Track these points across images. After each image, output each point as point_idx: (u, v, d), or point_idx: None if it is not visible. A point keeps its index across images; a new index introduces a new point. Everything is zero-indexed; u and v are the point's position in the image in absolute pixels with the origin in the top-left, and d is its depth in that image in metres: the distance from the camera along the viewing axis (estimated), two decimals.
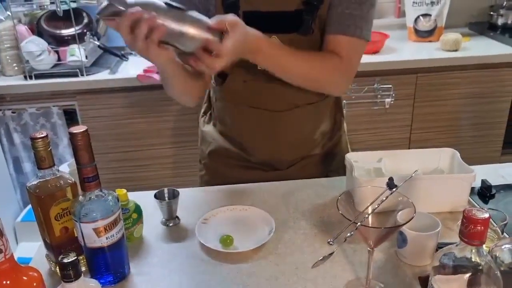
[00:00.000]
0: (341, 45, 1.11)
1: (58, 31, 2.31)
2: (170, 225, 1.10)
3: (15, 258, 0.72)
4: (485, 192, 1.16)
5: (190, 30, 0.90)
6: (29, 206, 2.33)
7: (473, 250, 0.63)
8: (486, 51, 2.35)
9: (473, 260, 0.63)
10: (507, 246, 0.68)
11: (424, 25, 2.51)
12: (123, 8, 0.85)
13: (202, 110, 1.40)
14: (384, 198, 0.83)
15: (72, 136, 0.81)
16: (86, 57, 2.22)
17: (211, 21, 0.93)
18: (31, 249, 1.05)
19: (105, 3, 0.85)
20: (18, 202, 2.43)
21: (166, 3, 0.89)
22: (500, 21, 2.63)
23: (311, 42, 1.13)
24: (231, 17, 0.95)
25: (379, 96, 2.30)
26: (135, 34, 0.87)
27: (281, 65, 1.07)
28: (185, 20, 0.90)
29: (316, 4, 1.09)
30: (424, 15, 2.50)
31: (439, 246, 0.92)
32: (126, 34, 0.88)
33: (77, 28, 2.23)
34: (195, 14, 0.92)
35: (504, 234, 0.93)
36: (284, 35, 1.11)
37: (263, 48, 1.02)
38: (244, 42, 0.96)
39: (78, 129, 0.81)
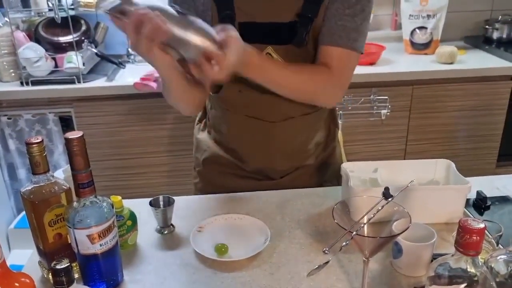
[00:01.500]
0: (332, 57, 1.11)
1: (55, 38, 2.31)
2: (165, 233, 1.09)
3: (8, 265, 0.72)
4: (480, 204, 1.16)
5: (194, 37, 0.91)
6: (23, 213, 2.32)
7: (469, 261, 0.63)
8: (481, 64, 2.37)
9: (468, 270, 0.63)
10: (502, 257, 0.68)
11: (420, 37, 2.53)
12: (131, 9, 0.86)
13: (198, 118, 1.40)
14: (380, 208, 0.83)
15: (67, 142, 0.80)
16: (84, 64, 2.21)
17: (214, 31, 0.94)
18: (24, 256, 1.04)
19: (115, 0, 0.86)
20: (12, 208, 2.41)
21: (174, 9, 0.91)
22: (495, 35, 2.65)
23: (305, 53, 1.14)
24: (232, 30, 0.96)
25: (375, 107, 2.31)
26: (140, 34, 0.87)
27: (272, 78, 1.07)
28: (190, 27, 0.91)
29: (311, 16, 1.10)
30: (420, 28, 2.52)
31: (434, 257, 0.92)
32: (131, 33, 0.88)
33: (74, 35, 2.23)
34: (199, 22, 0.93)
35: (499, 245, 0.93)
36: (278, 46, 1.12)
37: (254, 60, 1.02)
38: (241, 55, 0.97)
39: (74, 134, 0.81)
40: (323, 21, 1.11)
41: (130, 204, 1.06)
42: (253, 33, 1.10)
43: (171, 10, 0.90)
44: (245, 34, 1.03)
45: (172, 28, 0.88)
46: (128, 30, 0.88)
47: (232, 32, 0.95)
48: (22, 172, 2.34)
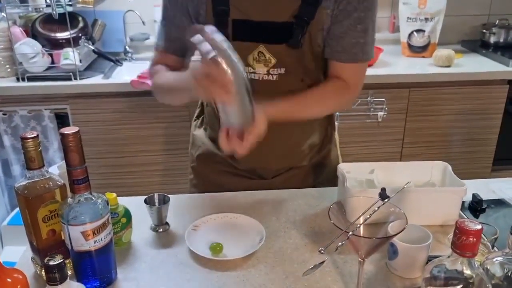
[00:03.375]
0: (350, 72, 1.17)
1: (52, 34, 2.30)
2: (160, 231, 1.09)
3: (0, 261, 0.71)
4: (476, 206, 1.16)
5: (242, 114, 0.98)
6: (16, 210, 2.30)
7: (465, 262, 0.63)
8: (478, 68, 2.38)
9: (464, 272, 0.63)
10: (498, 259, 0.68)
11: (418, 40, 2.53)
12: (214, 53, 0.89)
13: (195, 114, 1.40)
14: (376, 209, 0.83)
15: (63, 137, 0.80)
16: (80, 61, 2.21)
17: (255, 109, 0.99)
18: (17, 253, 1.03)
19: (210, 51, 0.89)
20: (6, 205, 2.40)
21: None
22: (492, 39, 2.67)
23: (299, 54, 1.13)
24: (260, 113, 1.00)
25: (372, 109, 2.31)
26: (206, 82, 0.90)
27: (298, 117, 1.15)
28: (246, 103, 0.97)
29: (307, 19, 1.10)
30: (418, 31, 2.53)
31: (429, 259, 0.92)
32: (206, 79, 0.91)
33: (72, 31, 2.22)
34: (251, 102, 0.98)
35: (495, 248, 0.93)
36: (271, 45, 1.11)
37: (278, 116, 1.07)
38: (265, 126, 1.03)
39: (69, 130, 0.80)
40: (332, 39, 1.13)
41: (125, 201, 1.06)
42: (246, 31, 1.10)
43: (244, 74, 0.95)
44: (238, 31, 1.02)
45: (232, 95, 0.92)
46: (201, 67, 0.90)
47: (260, 114, 1.00)
48: (16, 169, 2.32)
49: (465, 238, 0.59)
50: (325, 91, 1.17)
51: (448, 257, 0.65)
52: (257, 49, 1.11)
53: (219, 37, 0.91)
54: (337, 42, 1.13)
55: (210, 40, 0.89)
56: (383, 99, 2.29)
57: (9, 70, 2.22)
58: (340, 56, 1.14)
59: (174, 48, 1.18)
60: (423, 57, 2.53)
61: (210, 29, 0.91)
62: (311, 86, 1.19)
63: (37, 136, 0.84)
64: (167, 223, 1.10)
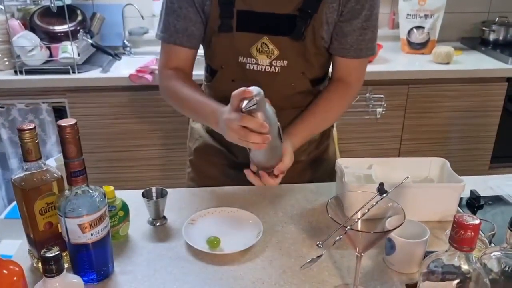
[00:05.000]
0: (354, 68, 1.20)
1: (51, 27, 2.29)
2: (157, 224, 1.08)
3: None
4: (473, 203, 1.16)
5: (273, 155, 1.07)
6: (14, 204, 2.30)
7: (462, 257, 0.63)
8: (477, 65, 2.38)
9: (461, 267, 0.63)
10: (496, 254, 0.67)
11: (417, 37, 2.53)
12: (263, 118, 0.97)
13: None
14: (374, 203, 0.82)
15: (60, 129, 0.79)
16: (79, 54, 2.20)
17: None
18: (13, 247, 1.03)
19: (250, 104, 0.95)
20: (3, 199, 2.39)
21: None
22: (492, 37, 2.66)
23: (302, 47, 1.14)
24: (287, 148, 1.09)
25: (370, 105, 2.30)
26: (243, 132, 0.97)
27: (313, 135, 1.25)
28: (277, 147, 1.06)
29: (310, 12, 1.11)
30: (418, 28, 2.52)
31: (427, 255, 0.92)
32: (238, 123, 0.97)
33: (70, 25, 2.21)
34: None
35: (492, 244, 0.93)
36: (275, 37, 1.12)
37: (300, 145, 1.18)
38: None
39: (67, 122, 0.79)
40: (340, 36, 1.15)
41: (123, 195, 1.05)
42: (250, 22, 1.10)
43: (275, 120, 1.02)
44: (242, 22, 1.03)
45: (268, 145, 0.99)
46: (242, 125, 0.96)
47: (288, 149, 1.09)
48: (14, 162, 2.32)
49: (463, 232, 0.59)
50: (332, 101, 1.22)
51: (446, 251, 0.65)
52: (260, 40, 1.12)
53: (254, 89, 0.96)
54: (345, 39, 1.15)
55: (246, 93, 0.95)
56: (382, 96, 2.29)
57: (7, 63, 2.21)
58: (346, 53, 1.16)
59: (182, 40, 1.17)
60: (423, 54, 2.53)
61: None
62: (311, 80, 1.20)
63: (34, 128, 0.83)
64: (164, 217, 1.10)
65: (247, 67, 1.15)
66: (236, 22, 1.11)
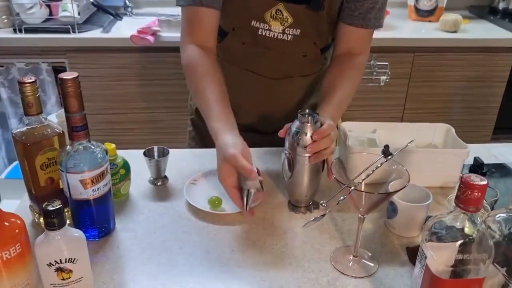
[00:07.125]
0: (364, 38, 1.17)
1: None
2: (158, 184, 1.08)
3: None
4: (476, 170, 1.15)
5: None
6: (14, 163, 2.29)
7: (466, 219, 0.62)
8: (485, 34, 2.33)
9: (465, 228, 0.62)
10: (501, 215, 0.67)
11: (425, 4, 2.47)
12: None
13: None
14: (379, 165, 0.82)
15: (62, 82, 0.78)
16: (79, 13, 2.15)
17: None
18: (14, 206, 1.03)
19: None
20: (3, 159, 2.39)
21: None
22: (501, 6, 2.60)
23: (318, 17, 1.12)
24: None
25: (374, 73, 2.27)
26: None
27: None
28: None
29: None
30: None
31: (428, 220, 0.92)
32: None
33: None
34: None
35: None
36: (292, 4, 1.10)
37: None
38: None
39: (68, 75, 0.78)
40: (349, 2, 1.11)
41: (124, 154, 1.05)
42: None
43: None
44: None
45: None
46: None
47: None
48: (14, 122, 2.30)
49: (470, 192, 0.58)
50: (346, 72, 1.16)
51: (449, 213, 0.65)
52: (276, 7, 1.09)
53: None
54: (355, 6, 1.12)
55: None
56: (387, 63, 2.26)
57: (5, 21, 2.17)
58: (355, 21, 1.13)
59: (208, 0, 1.09)
60: (430, 21, 2.48)
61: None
62: (322, 49, 1.19)
63: (35, 81, 0.82)
64: (165, 177, 1.09)
65: (259, 32, 1.13)
66: None
